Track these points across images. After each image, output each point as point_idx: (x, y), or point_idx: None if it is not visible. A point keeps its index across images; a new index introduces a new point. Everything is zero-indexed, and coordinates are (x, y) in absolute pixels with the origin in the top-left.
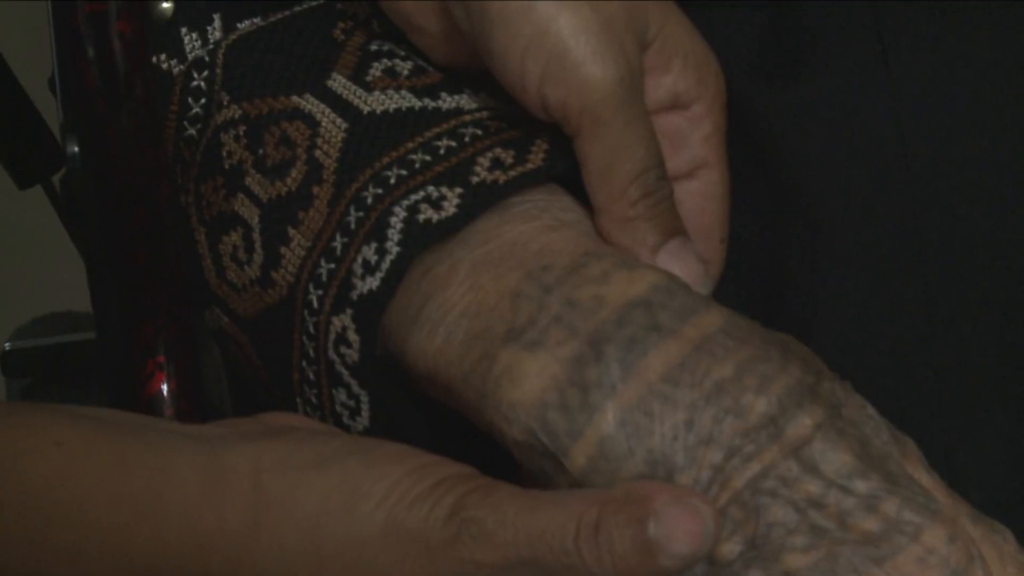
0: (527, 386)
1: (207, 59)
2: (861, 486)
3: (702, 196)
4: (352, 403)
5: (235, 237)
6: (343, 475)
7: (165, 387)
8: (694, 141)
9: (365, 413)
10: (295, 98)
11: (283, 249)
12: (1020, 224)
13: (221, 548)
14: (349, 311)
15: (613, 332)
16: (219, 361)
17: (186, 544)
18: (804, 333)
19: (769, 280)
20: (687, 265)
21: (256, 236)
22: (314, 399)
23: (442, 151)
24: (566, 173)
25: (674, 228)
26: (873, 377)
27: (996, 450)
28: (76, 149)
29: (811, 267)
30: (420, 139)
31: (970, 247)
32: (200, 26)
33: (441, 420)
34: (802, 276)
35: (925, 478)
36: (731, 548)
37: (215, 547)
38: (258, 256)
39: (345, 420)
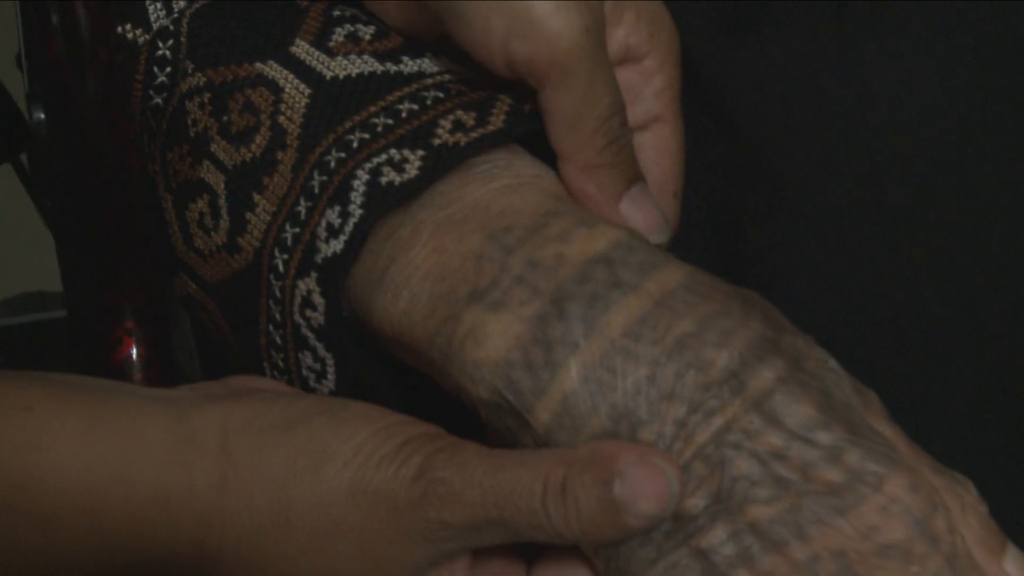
0: (491, 346)
1: (171, 28)
2: (823, 438)
3: (655, 150)
4: (318, 366)
5: (201, 204)
6: (309, 435)
7: (134, 353)
8: (647, 95)
9: (331, 376)
10: (259, 65)
11: (248, 215)
12: (978, 177)
13: (190, 509)
14: (314, 274)
15: (575, 289)
16: (189, 330)
17: (156, 506)
18: (765, 290)
19: (730, 237)
20: (648, 211)
21: (222, 202)
22: (281, 363)
23: (404, 114)
24: (527, 134)
25: (635, 175)
26: (835, 332)
27: (960, 403)
28: (43, 116)
29: (772, 224)
30: (382, 103)
31: (929, 202)
32: None
33: (408, 382)
34: (763, 233)
35: (887, 430)
36: (696, 502)
37: (185, 508)
38: (224, 222)
39: (312, 383)
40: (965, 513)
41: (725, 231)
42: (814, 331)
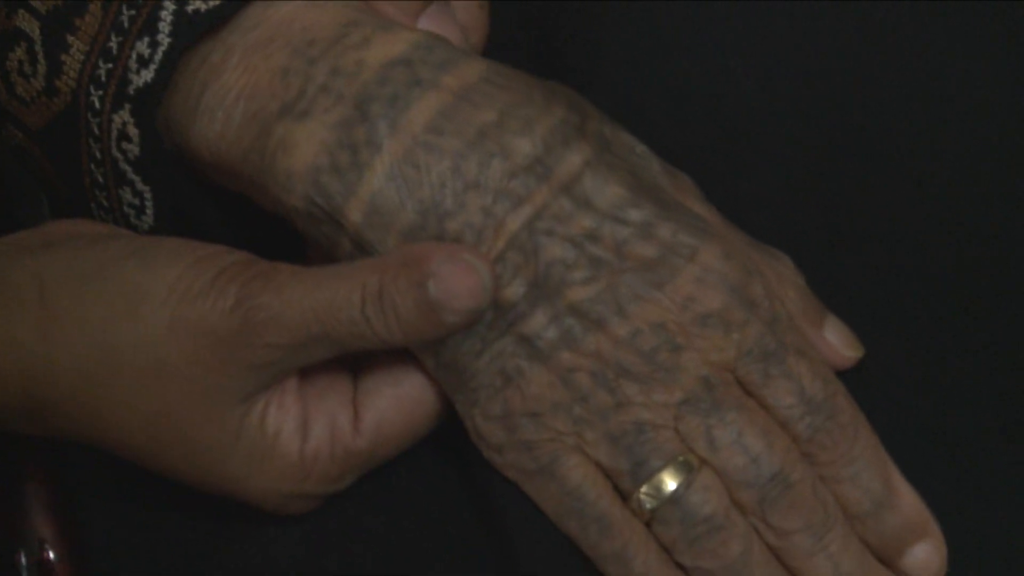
0: (299, 154)
1: None
2: (635, 215)
3: None
4: (137, 201)
5: (20, 52)
6: (123, 279)
7: None
8: None
9: (150, 211)
10: None
11: (64, 56)
12: None
13: (15, 364)
14: (128, 106)
15: (376, 91)
16: (36, 188)
17: None
18: (585, 88)
19: (547, 41)
20: (445, 28)
21: (39, 48)
22: (104, 202)
23: None
24: None
25: None
26: (652, 119)
27: (775, 178)
28: None
29: (588, 22)
30: None
31: None
32: None
33: (231, 210)
34: (580, 33)
35: (700, 208)
36: (515, 291)
37: (9, 364)
38: (42, 67)
39: (132, 220)
40: (783, 285)
41: (542, 36)
42: (632, 121)
